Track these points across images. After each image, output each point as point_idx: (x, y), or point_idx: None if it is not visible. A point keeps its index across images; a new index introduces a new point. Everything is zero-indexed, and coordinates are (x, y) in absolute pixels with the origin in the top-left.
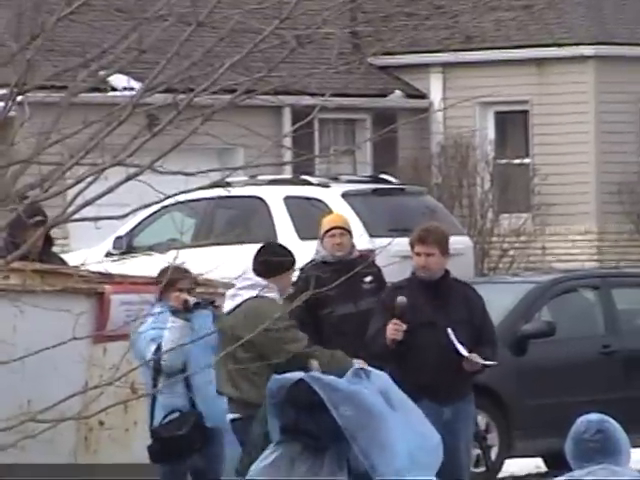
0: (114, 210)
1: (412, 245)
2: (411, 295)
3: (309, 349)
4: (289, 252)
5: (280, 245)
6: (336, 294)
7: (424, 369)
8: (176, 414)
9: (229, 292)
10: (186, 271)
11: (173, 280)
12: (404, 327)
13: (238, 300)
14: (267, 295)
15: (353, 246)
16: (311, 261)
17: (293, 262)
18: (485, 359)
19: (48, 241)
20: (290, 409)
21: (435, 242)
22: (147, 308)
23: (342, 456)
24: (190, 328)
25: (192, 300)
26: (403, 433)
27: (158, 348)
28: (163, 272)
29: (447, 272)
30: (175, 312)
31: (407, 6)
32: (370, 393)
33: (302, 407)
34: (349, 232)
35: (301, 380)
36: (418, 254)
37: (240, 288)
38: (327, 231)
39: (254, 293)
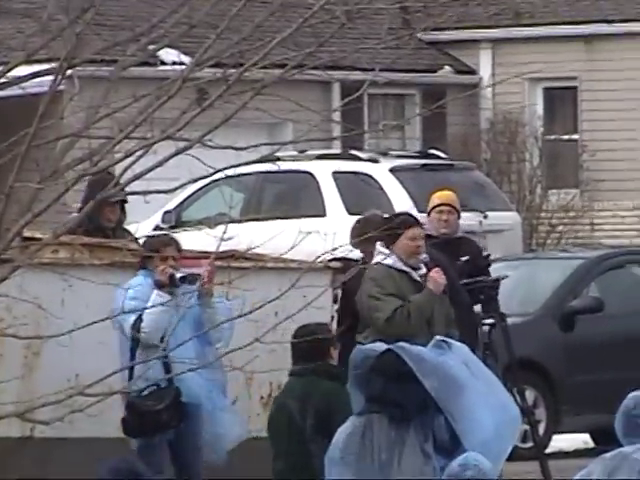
0: (163, 184)
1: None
2: None
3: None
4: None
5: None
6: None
7: None
8: (153, 387)
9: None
10: (172, 239)
11: (158, 248)
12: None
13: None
14: (385, 262)
15: (458, 225)
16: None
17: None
18: None
19: (122, 217)
20: (377, 379)
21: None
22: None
23: (427, 427)
24: (174, 303)
25: (178, 275)
26: (487, 404)
27: (138, 319)
28: (148, 240)
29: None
30: (160, 286)
31: None
32: (455, 364)
33: (390, 377)
34: (457, 211)
35: (389, 350)
36: None
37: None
38: (435, 206)
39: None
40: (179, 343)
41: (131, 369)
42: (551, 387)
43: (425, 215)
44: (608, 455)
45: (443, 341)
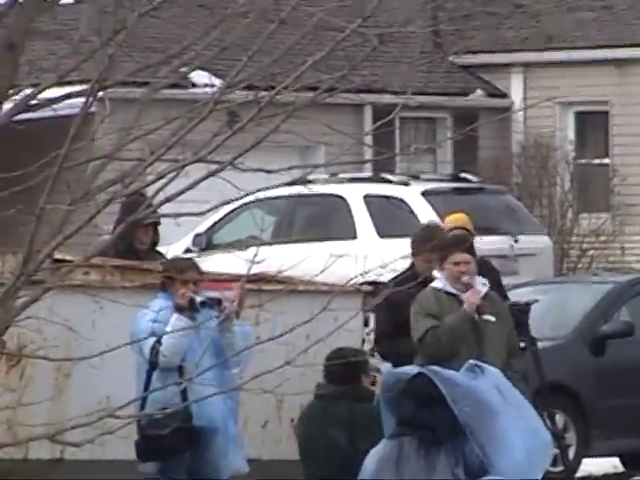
0: (194, 207)
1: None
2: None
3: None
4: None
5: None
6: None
7: None
8: (165, 411)
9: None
10: (193, 263)
11: (179, 272)
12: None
13: None
14: (434, 285)
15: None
16: None
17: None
18: None
19: (155, 238)
20: (409, 402)
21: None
22: (228, 305)
23: (458, 451)
24: (193, 327)
25: (198, 299)
26: (519, 429)
27: (157, 342)
28: (169, 264)
29: None
30: (180, 310)
31: (489, 5)
32: (487, 389)
33: (421, 400)
34: (471, 234)
35: (420, 374)
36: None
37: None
38: (449, 230)
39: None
40: (199, 367)
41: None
42: (581, 411)
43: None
44: (637, 479)
45: (476, 365)
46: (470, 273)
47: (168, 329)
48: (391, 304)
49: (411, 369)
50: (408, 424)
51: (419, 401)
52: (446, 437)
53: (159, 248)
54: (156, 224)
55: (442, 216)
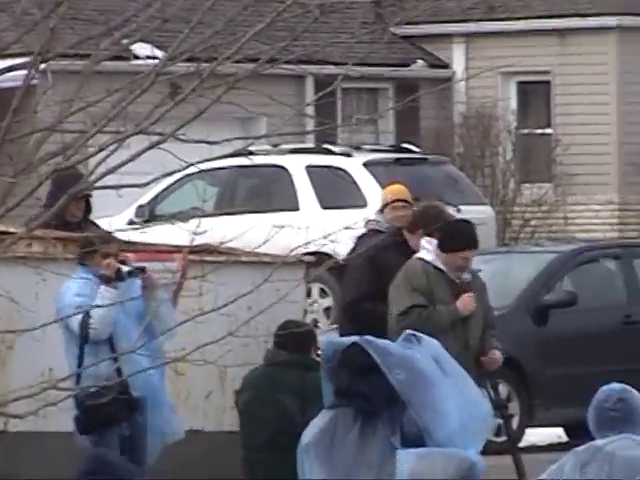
0: (136, 178)
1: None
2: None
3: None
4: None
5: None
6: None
7: None
8: (104, 383)
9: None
10: (112, 236)
11: (99, 245)
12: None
13: None
14: (424, 257)
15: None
16: (371, 230)
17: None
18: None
19: (87, 210)
20: (344, 372)
21: None
22: (169, 276)
23: (395, 420)
24: (120, 297)
25: (125, 269)
26: (455, 399)
27: (86, 315)
28: (88, 237)
29: None
30: (107, 281)
31: None
32: (423, 358)
33: (356, 370)
34: (411, 205)
35: (354, 344)
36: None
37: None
38: (389, 203)
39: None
40: (128, 337)
41: (80, 366)
42: (525, 381)
43: (377, 211)
44: (580, 449)
45: (413, 335)
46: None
47: (98, 301)
48: (377, 267)
49: (348, 339)
50: (345, 394)
51: (353, 370)
52: (383, 406)
53: (99, 220)
54: (88, 196)
55: (384, 186)
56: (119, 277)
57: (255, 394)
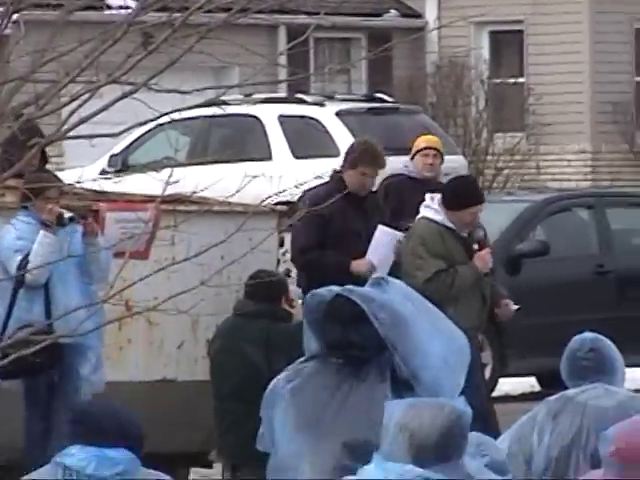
0: (109, 128)
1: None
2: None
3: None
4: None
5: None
6: (415, 211)
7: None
8: (28, 329)
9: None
10: (55, 177)
11: (42, 189)
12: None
13: None
14: (432, 217)
15: (440, 170)
16: (399, 174)
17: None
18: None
19: (43, 159)
20: (334, 324)
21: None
22: (142, 226)
23: (384, 366)
24: (59, 242)
25: (66, 215)
26: (434, 336)
27: (24, 259)
28: (32, 179)
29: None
30: (47, 225)
31: None
32: (399, 300)
33: (346, 320)
34: (442, 155)
35: (338, 295)
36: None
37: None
38: (421, 149)
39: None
40: (64, 284)
41: (9, 312)
42: (497, 330)
43: (407, 158)
44: (552, 398)
45: (382, 278)
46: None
47: (35, 246)
48: (319, 216)
49: (330, 290)
50: (337, 346)
51: (344, 321)
52: (373, 354)
53: (72, 170)
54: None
55: (356, 136)
56: (60, 222)
57: (223, 344)
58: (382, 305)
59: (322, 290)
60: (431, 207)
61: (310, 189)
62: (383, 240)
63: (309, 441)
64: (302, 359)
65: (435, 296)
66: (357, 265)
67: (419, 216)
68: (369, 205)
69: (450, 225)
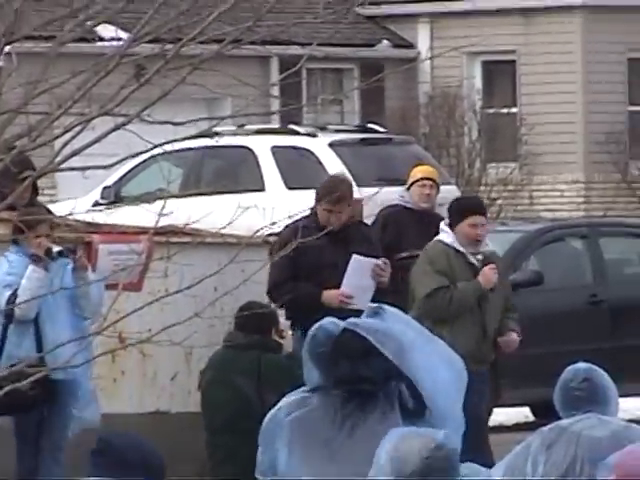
0: (102, 160)
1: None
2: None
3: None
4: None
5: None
6: (413, 242)
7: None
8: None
9: None
10: (46, 210)
11: (33, 223)
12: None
13: None
14: (443, 239)
15: (435, 202)
16: (395, 205)
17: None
18: None
19: (34, 191)
20: (344, 360)
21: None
22: (135, 257)
23: (391, 397)
24: (49, 277)
25: (55, 249)
26: (438, 361)
27: (13, 295)
28: (26, 214)
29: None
30: (36, 260)
31: None
32: (399, 327)
33: (357, 355)
34: (438, 186)
35: (345, 329)
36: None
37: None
38: (418, 180)
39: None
40: (54, 319)
41: (1, 348)
42: (491, 361)
43: (403, 189)
44: (546, 428)
45: (379, 307)
46: (485, 236)
47: (24, 281)
48: (292, 250)
49: (334, 323)
50: (348, 381)
51: (354, 357)
52: (382, 385)
53: (64, 201)
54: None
55: (349, 167)
56: (49, 257)
57: (214, 376)
58: (386, 334)
59: (328, 324)
60: (444, 230)
61: (289, 223)
62: (358, 269)
63: (316, 473)
64: (303, 390)
65: (434, 313)
66: (328, 296)
67: (434, 239)
68: (350, 237)
69: (460, 248)
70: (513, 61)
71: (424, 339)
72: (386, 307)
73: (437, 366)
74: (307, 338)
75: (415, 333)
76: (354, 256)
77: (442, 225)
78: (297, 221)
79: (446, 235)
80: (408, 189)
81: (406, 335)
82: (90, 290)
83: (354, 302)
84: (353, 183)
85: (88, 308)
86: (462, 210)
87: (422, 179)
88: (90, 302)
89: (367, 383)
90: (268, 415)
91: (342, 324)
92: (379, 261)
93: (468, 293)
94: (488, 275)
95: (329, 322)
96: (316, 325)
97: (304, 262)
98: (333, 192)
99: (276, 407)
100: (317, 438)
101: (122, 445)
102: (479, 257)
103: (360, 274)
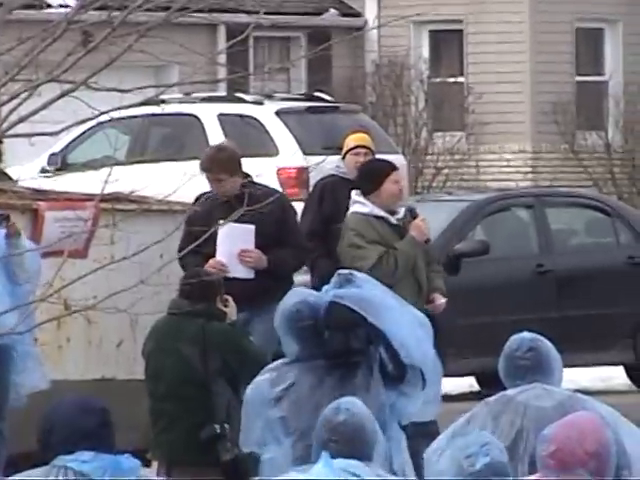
0: (48, 127)
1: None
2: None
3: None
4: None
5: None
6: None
7: None
8: None
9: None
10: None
11: None
12: None
13: None
14: (360, 210)
15: None
16: (332, 175)
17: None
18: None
19: None
20: (338, 333)
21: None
22: (81, 224)
23: (372, 361)
24: None
25: None
26: (414, 318)
27: None
28: None
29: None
30: None
31: None
32: (377, 293)
33: (348, 327)
34: (373, 153)
35: (332, 303)
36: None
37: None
38: (351, 149)
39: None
40: None
41: None
42: (436, 330)
43: (338, 158)
44: (492, 399)
45: (349, 274)
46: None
47: None
48: (187, 219)
49: (320, 298)
50: (343, 353)
51: (346, 329)
52: (365, 351)
53: (9, 168)
54: None
55: (296, 135)
56: None
57: (157, 344)
58: (369, 301)
59: (308, 296)
60: (357, 201)
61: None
62: (229, 236)
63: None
64: (282, 362)
65: (384, 281)
66: (207, 267)
67: (348, 213)
68: (237, 206)
69: (379, 214)
70: (460, 30)
71: (396, 300)
72: (357, 274)
73: (413, 323)
74: (287, 312)
75: (388, 296)
76: (229, 224)
77: (354, 197)
78: (204, 194)
79: (360, 205)
80: (343, 158)
81: (384, 299)
82: (25, 257)
83: (228, 270)
84: (237, 151)
85: (22, 275)
86: (382, 170)
87: (356, 147)
88: (24, 269)
89: (358, 354)
90: (250, 388)
91: (326, 297)
92: (251, 226)
93: (408, 251)
94: (420, 227)
95: (308, 294)
96: (294, 299)
97: (198, 233)
98: (203, 162)
99: (257, 380)
100: (304, 410)
101: (66, 420)
102: (398, 216)
103: (232, 241)
